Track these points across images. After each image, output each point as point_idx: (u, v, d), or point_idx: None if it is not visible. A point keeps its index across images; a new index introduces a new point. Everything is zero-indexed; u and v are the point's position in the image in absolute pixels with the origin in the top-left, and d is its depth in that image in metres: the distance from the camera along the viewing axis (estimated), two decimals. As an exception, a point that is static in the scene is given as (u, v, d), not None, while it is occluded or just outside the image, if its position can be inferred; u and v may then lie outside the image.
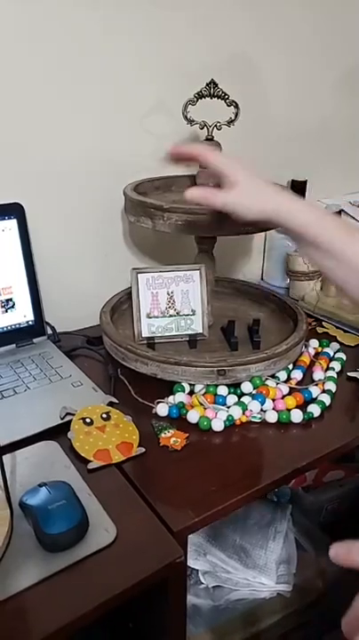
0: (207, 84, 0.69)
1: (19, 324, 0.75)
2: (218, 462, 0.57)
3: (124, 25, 0.75)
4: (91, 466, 0.54)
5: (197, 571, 0.79)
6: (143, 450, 0.57)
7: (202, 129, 0.70)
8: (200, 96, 0.69)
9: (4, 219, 0.71)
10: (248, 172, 0.53)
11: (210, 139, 0.70)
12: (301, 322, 0.74)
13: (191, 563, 0.78)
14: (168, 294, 0.72)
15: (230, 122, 0.69)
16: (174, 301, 0.72)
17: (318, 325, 0.86)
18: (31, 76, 0.70)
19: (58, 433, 0.58)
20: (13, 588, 0.42)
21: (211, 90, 0.69)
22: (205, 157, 0.55)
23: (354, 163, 1.13)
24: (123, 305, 0.80)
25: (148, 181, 0.78)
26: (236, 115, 0.69)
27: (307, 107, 1.00)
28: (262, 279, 1.04)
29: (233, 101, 0.69)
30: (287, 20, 0.91)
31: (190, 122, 0.70)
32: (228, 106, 0.69)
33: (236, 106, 0.68)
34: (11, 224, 0.71)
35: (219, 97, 0.69)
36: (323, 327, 0.86)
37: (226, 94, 0.69)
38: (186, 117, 0.69)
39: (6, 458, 0.54)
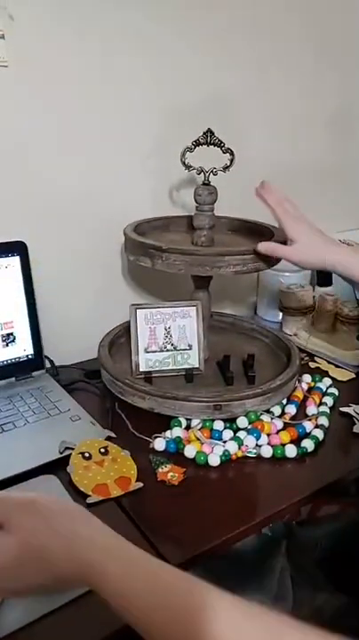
0: (204, 133, 0.73)
1: (19, 357, 0.76)
2: (214, 497, 0.57)
3: (127, 72, 0.80)
4: (90, 500, 0.55)
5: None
6: (141, 485, 0.58)
7: (199, 174, 0.74)
8: (197, 144, 0.73)
9: (8, 256, 0.73)
10: (309, 231, 0.65)
11: (206, 183, 0.74)
12: (294, 357, 0.76)
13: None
14: (165, 329, 0.74)
15: (226, 168, 0.73)
16: (171, 336, 0.74)
17: (310, 360, 0.89)
18: (34, 123, 0.74)
19: (57, 467, 0.59)
20: (11, 625, 0.42)
21: (208, 138, 0.73)
22: (275, 212, 0.67)
23: (344, 201, 1.18)
24: (120, 339, 0.82)
25: (147, 222, 0.81)
26: (231, 161, 0.73)
27: (299, 147, 1.06)
28: (256, 314, 1.07)
29: (228, 149, 0.73)
30: (280, 67, 0.97)
31: (188, 167, 0.73)
32: (224, 153, 0.73)
33: (232, 153, 0.72)
34: (15, 261, 0.74)
35: (215, 145, 0.73)
36: (316, 362, 0.88)
37: (221, 142, 0.73)
38: (184, 163, 0.73)
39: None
